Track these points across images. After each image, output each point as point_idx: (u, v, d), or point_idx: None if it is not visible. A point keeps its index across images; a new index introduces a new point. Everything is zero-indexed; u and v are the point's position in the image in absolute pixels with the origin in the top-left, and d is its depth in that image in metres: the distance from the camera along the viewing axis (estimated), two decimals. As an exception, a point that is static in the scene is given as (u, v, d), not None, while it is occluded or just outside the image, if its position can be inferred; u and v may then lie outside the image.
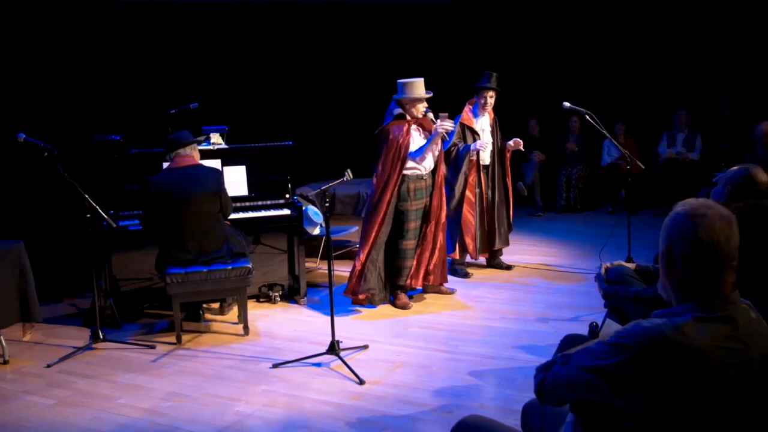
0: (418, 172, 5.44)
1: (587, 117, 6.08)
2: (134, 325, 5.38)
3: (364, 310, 5.55)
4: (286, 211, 5.81)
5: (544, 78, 10.17)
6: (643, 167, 6.63)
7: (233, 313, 5.52)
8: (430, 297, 5.85)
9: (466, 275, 6.39)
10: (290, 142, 6.18)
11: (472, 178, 6.26)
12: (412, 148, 5.38)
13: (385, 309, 5.60)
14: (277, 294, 5.81)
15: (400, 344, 4.80)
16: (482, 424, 2.27)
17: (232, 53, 8.09)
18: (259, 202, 5.84)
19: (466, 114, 6.34)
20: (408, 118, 5.40)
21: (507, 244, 6.68)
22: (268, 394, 4.05)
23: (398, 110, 5.40)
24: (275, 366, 4.44)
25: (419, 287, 5.74)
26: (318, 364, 4.43)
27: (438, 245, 5.64)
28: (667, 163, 8.95)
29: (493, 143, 6.42)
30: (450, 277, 5.93)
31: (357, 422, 3.67)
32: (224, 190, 5.03)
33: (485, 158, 6.36)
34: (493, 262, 6.69)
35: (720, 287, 1.78)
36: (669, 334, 1.70)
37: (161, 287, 5.01)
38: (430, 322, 5.26)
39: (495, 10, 10.12)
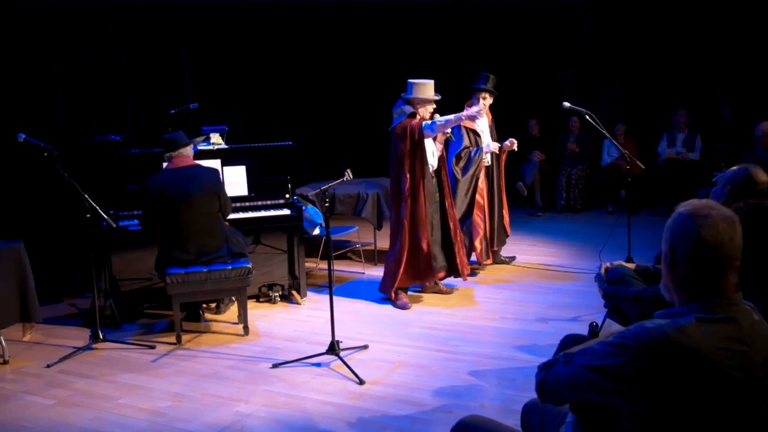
0: (428, 170, 5.52)
1: (587, 117, 6.09)
2: (134, 325, 5.38)
3: (365, 310, 5.56)
4: (286, 211, 5.81)
5: (544, 78, 10.17)
6: (643, 167, 6.64)
7: (233, 313, 5.52)
8: (430, 297, 5.85)
9: (474, 274, 6.41)
10: (290, 142, 6.18)
11: (481, 181, 6.29)
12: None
13: (385, 309, 5.61)
14: (276, 294, 5.81)
15: (400, 344, 4.80)
16: (482, 424, 2.27)
17: (232, 53, 8.09)
18: (259, 202, 5.84)
19: None
20: (417, 117, 5.49)
21: (504, 242, 6.71)
22: (268, 394, 4.05)
23: (410, 109, 5.47)
24: (275, 366, 4.44)
25: (468, 273, 5.83)
26: (318, 364, 4.43)
27: (461, 240, 5.80)
28: (667, 163, 8.95)
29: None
30: (454, 279, 5.91)
31: (357, 422, 3.67)
32: (223, 189, 5.04)
33: (487, 160, 6.38)
34: (496, 259, 6.73)
35: (723, 288, 1.77)
36: (671, 335, 1.70)
37: (161, 287, 5.01)
38: (430, 322, 5.26)
39: (495, 10, 10.12)
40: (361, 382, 4.15)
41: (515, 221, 6.93)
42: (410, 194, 5.46)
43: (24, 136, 4.68)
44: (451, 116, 5.39)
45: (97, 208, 4.72)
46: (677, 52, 9.36)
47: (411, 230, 5.49)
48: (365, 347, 4.70)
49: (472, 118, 5.74)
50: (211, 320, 5.45)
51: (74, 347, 4.85)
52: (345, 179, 4.53)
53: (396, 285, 5.55)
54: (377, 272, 6.11)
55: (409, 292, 5.78)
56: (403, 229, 5.49)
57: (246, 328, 5.06)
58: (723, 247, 1.75)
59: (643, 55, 9.66)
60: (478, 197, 6.26)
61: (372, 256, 7.07)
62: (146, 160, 5.58)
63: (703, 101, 9.22)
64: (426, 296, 5.87)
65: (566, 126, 9.76)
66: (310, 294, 5.96)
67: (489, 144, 6.28)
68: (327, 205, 4.50)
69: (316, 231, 6.28)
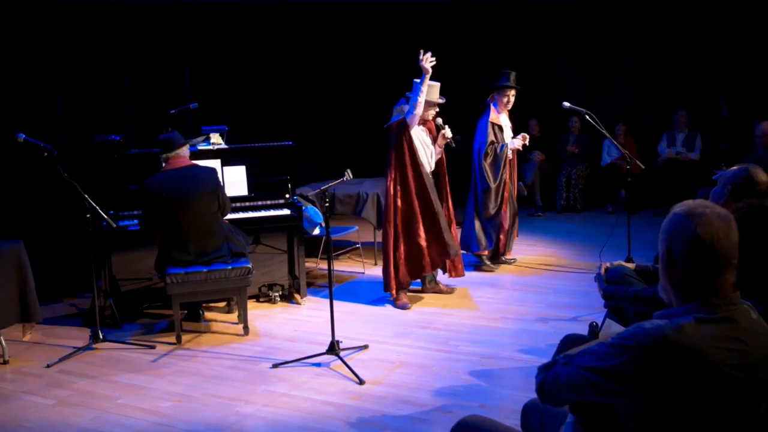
0: (422, 168, 5.52)
1: (587, 117, 6.10)
2: (134, 325, 5.38)
3: (365, 310, 5.56)
4: (286, 211, 5.81)
5: (544, 78, 10.16)
6: (643, 167, 6.64)
7: (234, 312, 5.53)
8: (429, 297, 5.85)
9: (492, 269, 6.63)
10: (290, 142, 6.18)
11: (507, 176, 6.51)
12: (417, 145, 5.46)
13: (385, 309, 5.61)
14: (276, 294, 5.81)
15: (400, 344, 4.80)
16: (482, 424, 2.27)
17: (232, 53, 8.09)
18: (259, 202, 5.85)
19: (494, 113, 6.52)
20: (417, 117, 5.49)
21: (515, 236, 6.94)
22: (268, 394, 4.05)
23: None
24: (275, 366, 4.44)
25: (462, 275, 5.83)
26: (318, 364, 4.43)
27: (457, 241, 5.79)
28: (667, 163, 8.95)
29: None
30: (451, 278, 5.91)
31: (357, 422, 3.67)
32: (222, 189, 5.04)
33: (508, 155, 6.57)
34: (498, 259, 6.79)
35: (721, 287, 1.78)
36: (670, 335, 1.70)
37: (161, 287, 5.01)
38: (430, 322, 5.26)
39: (495, 10, 10.11)
40: (361, 382, 4.15)
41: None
42: (401, 189, 5.47)
43: (24, 136, 4.68)
44: (428, 141, 5.54)
45: (97, 208, 4.72)
46: (677, 52, 9.36)
47: (404, 226, 5.50)
48: (365, 347, 4.70)
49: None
50: (211, 320, 5.45)
51: (74, 347, 4.85)
52: (345, 179, 4.53)
53: (396, 282, 5.54)
54: (377, 272, 6.11)
55: (409, 293, 5.77)
56: (397, 226, 5.50)
57: (246, 328, 5.06)
58: (719, 244, 1.75)
59: (643, 55, 9.66)
60: (505, 192, 6.49)
61: (372, 256, 7.07)
62: (146, 161, 5.57)
63: (703, 101, 9.21)
64: (426, 296, 5.87)
65: (566, 126, 9.76)
66: (310, 294, 5.96)
67: (513, 141, 6.49)
68: (327, 205, 4.50)
69: (316, 231, 6.28)
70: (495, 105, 6.53)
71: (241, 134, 7.44)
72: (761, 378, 1.74)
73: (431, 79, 5.36)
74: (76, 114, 6.32)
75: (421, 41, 10.47)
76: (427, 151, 5.57)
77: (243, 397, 4.02)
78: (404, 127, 5.41)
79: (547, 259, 7.00)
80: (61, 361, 4.63)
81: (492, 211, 6.45)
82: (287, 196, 5.94)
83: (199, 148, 5.70)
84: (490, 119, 6.45)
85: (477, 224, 6.53)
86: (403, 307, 5.56)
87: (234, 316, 5.46)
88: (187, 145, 5.07)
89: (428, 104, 5.43)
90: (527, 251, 7.29)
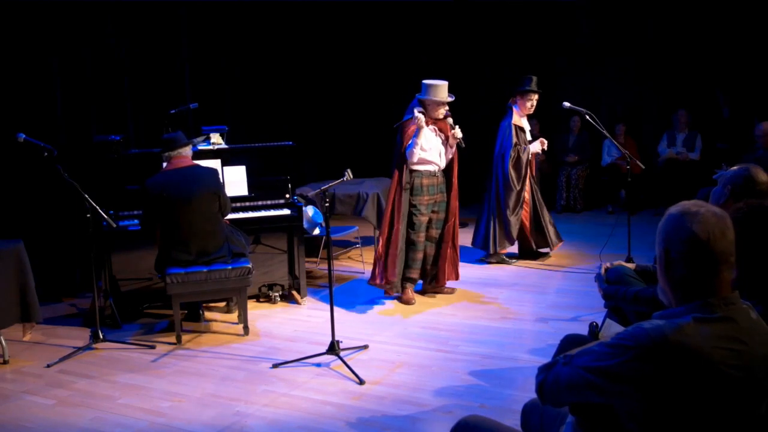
0: (431, 169, 5.55)
1: (587, 117, 6.11)
2: (134, 325, 5.38)
3: (365, 310, 5.56)
4: (286, 211, 5.82)
5: (544, 78, 10.14)
6: (643, 167, 6.65)
7: (233, 312, 5.53)
8: (430, 297, 5.85)
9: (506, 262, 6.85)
10: (290, 142, 6.18)
11: (529, 178, 6.65)
12: (422, 144, 5.47)
13: (386, 309, 5.61)
14: (277, 294, 5.81)
15: (400, 344, 4.80)
16: (482, 424, 2.27)
17: (232, 53, 8.09)
18: (259, 202, 5.85)
19: (517, 115, 6.64)
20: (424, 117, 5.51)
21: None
22: (268, 394, 4.05)
23: (420, 108, 5.50)
24: (275, 366, 4.44)
25: (453, 280, 5.86)
26: (318, 364, 4.43)
27: (456, 242, 5.80)
28: (667, 163, 8.95)
29: (530, 142, 6.77)
30: (455, 279, 5.91)
31: (357, 422, 3.67)
32: (222, 189, 5.04)
33: (529, 158, 6.69)
34: (499, 258, 6.84)
35: (719, 286, 1.78)
36: (670, 335, 1.70)
37: (161, 287, 5.01)
38: (430, 322, 5.26)
39: (495, 10, 10.11)
40: (361, 382, 4.15)
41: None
42: (397, 187, 5.53)
43: (24, 136, 4.68)
44: (438, 140, 5.57)
45: (97, 208, 4.72)
46: (677, 52, 9.36)
47: (399, 222, 5.53)
48: (365, 347, 4.70)
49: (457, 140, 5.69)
50: (211, 320, 5.45)
51: (74, 347, 4.85)
52: (345, 179, 4.53)
53: (383, 275, 5.58)
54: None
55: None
56: (391, 222, 5.54)
57: (246, 328, 5.06)
58: (716, 241, 1.76)
59: (643, 55, 9.66)
60: (525, 194, 6.63)
61: (372, 256, 7.06)
62: (146, 160, 5.57)
63: (703, 101, 9.22)
64: (426, 296, 5.87)
65: (566, 126, 9.76)
66: (310, 294, 5.96)
67: (533, 145, 6.64)
68: (327, 205, 4.50)
69: (316, 231, 6.28)
70: (517, 108, 6.65)
71: (241, 134, 7.44)
72: (761, 378, 1.74)
73: (437, 78, 5.44)
74: (76, 114, 6.32)
75: (421, 41, 10.51)
76: (435, 152, 5.56)
77: (243, 397, 4.02)
78: (404, 138, 5.50)
79: (547, 259, 6.99)
80: (61, 361, 4.63)
81: (513, 212, 6.58)
82: (287, 196, 5.94)
83: (200, 148, 5.69)
84: (513, 122, 6.58)
85: (493, 225, 6.60)
86: (408, 302, 5.63)
87: (234, 316, 5.46)
88: (190, 146, 5.07)
89: (435, 103, 5.44)
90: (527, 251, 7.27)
